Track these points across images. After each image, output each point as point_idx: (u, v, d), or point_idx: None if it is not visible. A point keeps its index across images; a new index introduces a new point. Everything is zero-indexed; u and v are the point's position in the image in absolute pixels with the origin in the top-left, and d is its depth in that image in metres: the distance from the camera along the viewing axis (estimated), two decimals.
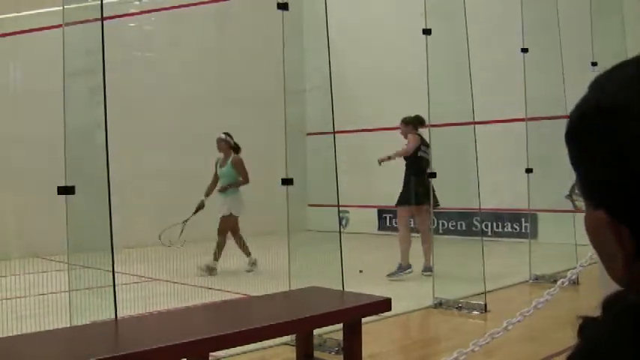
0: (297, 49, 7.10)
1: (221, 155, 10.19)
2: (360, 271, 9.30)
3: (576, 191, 0.95)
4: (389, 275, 9.29)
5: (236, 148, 10.22)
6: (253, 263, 10.04)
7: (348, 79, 14.71)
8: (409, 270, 9.36)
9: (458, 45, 7.97)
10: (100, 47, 4.98)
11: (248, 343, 4.72)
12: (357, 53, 15.37)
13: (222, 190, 9.99)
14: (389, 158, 9.88)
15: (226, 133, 10.24)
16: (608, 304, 0.89)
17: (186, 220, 10.04)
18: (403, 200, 9.57)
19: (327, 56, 6.79)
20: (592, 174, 0.88)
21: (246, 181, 10.03)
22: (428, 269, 8.80)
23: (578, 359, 0.88)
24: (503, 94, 12.43)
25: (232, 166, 10.07)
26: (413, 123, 9.63)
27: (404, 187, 9.60)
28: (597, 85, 0.91)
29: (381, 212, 15.69)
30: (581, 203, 0.95)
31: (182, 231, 9.94)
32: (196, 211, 10.06)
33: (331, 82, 6.81)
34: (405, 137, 9.77)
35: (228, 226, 9.91)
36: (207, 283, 8.23)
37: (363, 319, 5.22)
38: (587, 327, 0.89)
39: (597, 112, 0.87)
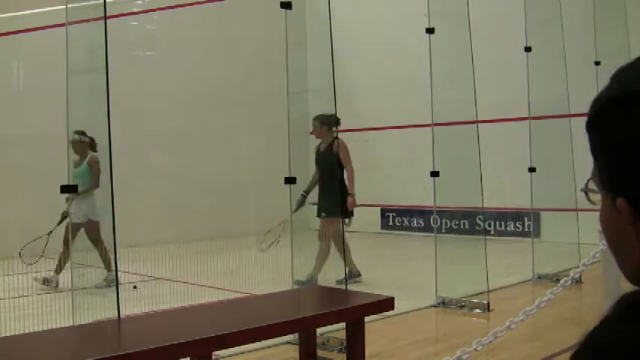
0: (301, 48, 7.11)
1: (77, 157, 8.95)
2: (135, 287, 8.48)
3: (591, 186, 0.95)
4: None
5: (94, 145, 9.00)
6: (110, 280, 9.00)
7: (351, 79, 14.71)
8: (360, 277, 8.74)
9: (461, 44, 7.97)
10: (103, 46, 4.99)
11: (251, 342, 4.73)
12: (360, 52, 15.36)
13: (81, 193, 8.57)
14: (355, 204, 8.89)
15: (79, 132, 8.66)
16: (616, 305, 0.89)
17: (50, 232, 9.02)
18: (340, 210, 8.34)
19: (330, 55, 6.79)
20: (615, 162, 0.88)
21: (96, 184, 8.72)
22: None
23: (584, 357, 0.88)
24: (507, 92, 12.42)
25: (88, 166, 8.96)
26: (329, 123, 8.47)
27: (337, 196, 8.34)
28: (621, 75, 0.92)
29: (384, 211, 15.69)
30: (596, 197, 0.95)
31: (47, 244, 8.83)
32: (61, 221, 8.82)
33: (334, 82, 6.81)
34: (318, 137, 8.68)
35: (96, 233, 8.59)
36: (211, 282, 8.23)
37: (366, 318, 5.21)
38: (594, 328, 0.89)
39: (622, 99, 0.88)
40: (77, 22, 5.27)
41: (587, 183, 0.97)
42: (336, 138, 8.40)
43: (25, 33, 12.42)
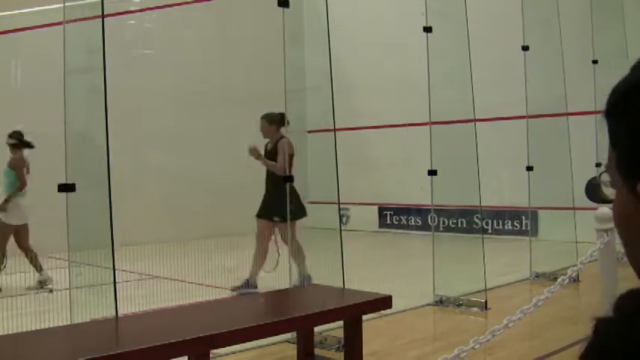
0: (298, 46, 7.10)
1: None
2: None
3: (604, 179, 0.96)
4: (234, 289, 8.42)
5: (26, 144, 8.96)
6: (44, 282, 8.85)
7: (348, 77, 14.71)
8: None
9: (459, 42, 7.97)
10: (101, 45, 4.98)
11: (248, 340, 4.73)
12: (358, 51, 15.36)
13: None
14: (258, 157, 8.24)
15: (13, 134, 8.96)
16: (622, 302, 0.89)
17: None
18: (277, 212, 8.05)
19: (327, 54, 6.79)
20: (636, 148, 0.88)
21: (22, 185, 8.79)
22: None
23: (591, 358, 0.88)
24: (504, 91, 12.43)
25: (10, 167, 8.82)
26: (277, 122, 8.30)
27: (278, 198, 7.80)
28: None
29: (382, 210, 15.70)
30: (609, 191, 0.96)
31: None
32: None
33: (332, 80, 6.80)
34: (266, 137, 8.50)
35: (3, 236, 8.71)
36: (208, 280, 8.23)
37: (364, 317, 5.22)
38: (600, 326, 0.89)
39: None
40: (74, 21, 5.26)
41: (600, 175, 0.97)
42: (282, 137, 8.24)
43: (22, 32, 12.41)
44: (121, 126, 6.37)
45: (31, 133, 9.02)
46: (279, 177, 7.68)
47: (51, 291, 8.58)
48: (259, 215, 8.39)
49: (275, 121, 8.27)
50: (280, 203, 7.39)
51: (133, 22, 13.66)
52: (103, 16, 5.06)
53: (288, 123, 7.89)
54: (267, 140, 8.43)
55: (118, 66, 5.96)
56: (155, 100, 13.39)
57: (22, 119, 11.96)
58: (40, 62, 11.19)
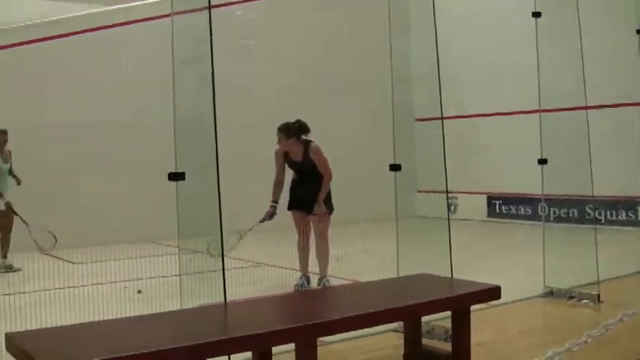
0: (404, 33, 7.02)
1: None
2: (139, 292, 8.09)
3: None
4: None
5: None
6: (8, 267, 9.70)
7: (456, 64, 14.48)
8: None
9: (569, 27, 7.74)
10: (208, 35, 5.04)
11: (356, 329, 4.70)
12: (465, 38, 15.14)
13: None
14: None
15: None
16: None
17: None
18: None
19: (434, 41, 6.69)
20: None
21: None
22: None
23: None
24: (617, 77, 12.02)
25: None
26: (296, 132, 8.25)
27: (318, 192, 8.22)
28: None
29: (491, 199, 15.44)
30: None
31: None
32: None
33: (439, 68, 6.71)
34: (286, 149, 8.29)
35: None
36: (316, 269, 8.27)
37: (472, 307, 5.13)
38: None
39: None
40: (182, 13, 5.34)
41: None
42: (308, 143, 8.27)
43: (132, 24, 12.75)
44: (229, 115, 6.44)
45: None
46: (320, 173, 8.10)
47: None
48: (301, 208, 8.37)
49: (294, 132, 8.24)
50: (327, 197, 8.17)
51: (239, 12, 13.83)
52: (210, 7, 5.11)
53: (307, 130, 8.22)
54: (284, 147, 8.34)
55: (225, 56, 6.02)
56: (262, 90, 13.53)
57: (132, 109, 12.36)
58: (149, 53, 11.47)
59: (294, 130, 8.20)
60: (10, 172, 9.92)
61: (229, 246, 7.65)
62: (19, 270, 9.53)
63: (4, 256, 9.57)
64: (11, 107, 11.24)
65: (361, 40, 14.61)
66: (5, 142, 9.83)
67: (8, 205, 9.60)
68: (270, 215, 8.16)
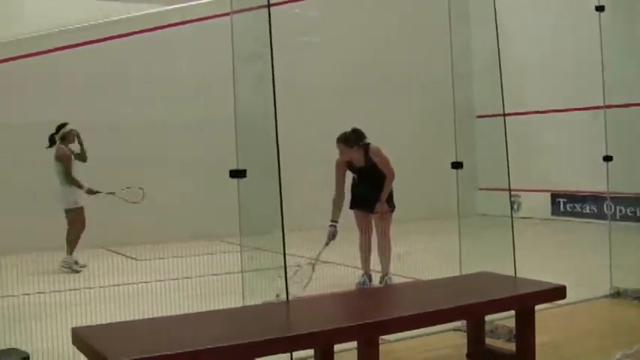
0: (464, 27, 6.95)
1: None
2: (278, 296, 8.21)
3: None
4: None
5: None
6: (73, 264, 9.86)
7: (518, 59, 14.28)
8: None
9: (634, 21, 7.57)
10: (268, 34, 5.04)
11: (418, 327, 4.68)
12: (527, 32, 14.92)
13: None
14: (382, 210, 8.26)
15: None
16: None
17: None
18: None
19: (495, 36, 6.61)
20: None
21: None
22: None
23: None
24: None
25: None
26: (354, 140, 8.23)
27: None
28: None
29: (555, 196, 15.18)
30: None
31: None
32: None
33: (500, 63, 6.62)
34: (348, 158, 8.27)
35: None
36: (378, 267, 8.23)
37: (537, 307, 5.05)
38: None
39: None
40: (241, 11, 5.36)
41: None
42: (367, 146, 8.22)
43: (191, 23, 12.88)
44: (289, 112, 6.45)
45: None
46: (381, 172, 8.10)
47: None
48: (363, 207, 8.34)
49: (353, 141, 8.20)
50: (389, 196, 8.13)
51: (297, 10, 13.85)
52: (269, 5, 5.12)
53: (365, 137, 8.20)
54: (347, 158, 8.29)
55: (285, 54, 6.03)
56: (321, 88, 13.52)
57: (193, 108, 12.48)
58: (208, 53, 11.57)
59: (353, 140, 8.19)
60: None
61: (305, 281, 7.74)
62: (85, 267, 9.70)
63: (70, 253, 9.74)
64: (74, 107, 11.43)
65: (420, 36, 14.52)
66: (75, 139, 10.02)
67: (90, 190, 9.83)
68: (333, 235, 8.13)
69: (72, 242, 9.75)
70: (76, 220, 9.80)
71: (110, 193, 9.88)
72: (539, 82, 15.20)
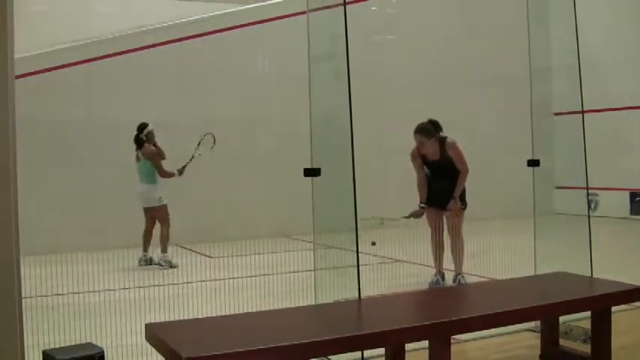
0: (543, 24, 6.84)
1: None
2: (373, 243, 8.20)
3: None
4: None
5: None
6: (167, 262, 9.96)
7: (597, 55, 13.99)
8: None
9: None
10: (344, 32, 5.06)
11: (492, 327, 4.64)
12: (605, 27, 14.59)
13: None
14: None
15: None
16: None
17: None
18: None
19: (574, 30, 6.49)
20: None
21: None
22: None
23: None
24: None
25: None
26: (433, 132, 8.10)
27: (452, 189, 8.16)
28: None
29: (634, 195, 14.83)
30: None
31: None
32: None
33: (579, 59, 6.50)
34: (427, 151, 8.13)
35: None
36: (451, 265, 8.17)
37: (614, 308, 4.95)
38: None
39: None
40: (318, 10, 5.39)
41: None
42: (444, 140, 8.11)
43: (269, 22, 12.99)
44: (364, 110, 6.46)
45: None
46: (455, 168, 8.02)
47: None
48: (435, 204, 8.22)
49: (432, 132, 8.08)
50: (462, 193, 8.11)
51: (374, 8, 13.84)
52: (345, 4, 5.14)
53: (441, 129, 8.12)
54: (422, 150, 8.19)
55: (360, 52, 6.04)
56: (397, 85, 13.49)
57: (269, 106, 12.59)
58: (285, 51, 11.66)
59: (432, 130, 8.10)
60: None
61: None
62: (177, 267, 9.86)
63: (164, 251, 9.91)
64: (153, 106, 11.66)
65: (496, 33, 14.35)
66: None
67: (180, 170, 10.15)
68: (417, 215, 8.10)
69: (165, 239, 9.97)
70: (165, 217, 10.04)
71: (190, 160, 10.24)
72: (621, 77, 14.86)
